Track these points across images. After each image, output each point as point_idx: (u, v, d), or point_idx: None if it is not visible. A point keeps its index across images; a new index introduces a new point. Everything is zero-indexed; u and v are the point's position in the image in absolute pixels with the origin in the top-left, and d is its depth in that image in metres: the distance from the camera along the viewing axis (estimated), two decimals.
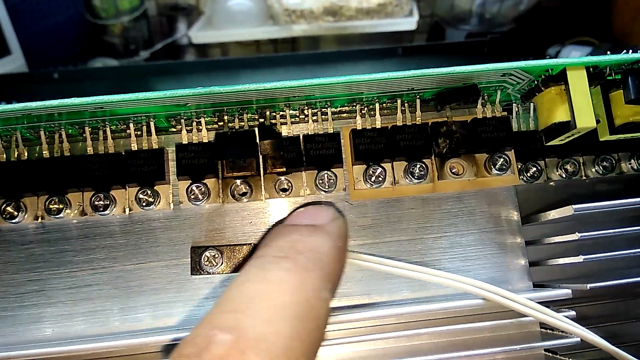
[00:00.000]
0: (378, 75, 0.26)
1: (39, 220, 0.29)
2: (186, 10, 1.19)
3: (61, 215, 0.29)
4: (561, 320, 0.25)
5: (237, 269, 0.29)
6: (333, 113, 0.30)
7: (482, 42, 0.90)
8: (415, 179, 0.30)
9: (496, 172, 0.30)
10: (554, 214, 0.30)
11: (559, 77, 0.28)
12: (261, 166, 0.30)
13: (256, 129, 0.29)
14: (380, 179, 0.30)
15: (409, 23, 1.08)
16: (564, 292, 0.27)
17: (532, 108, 0.32)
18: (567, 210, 0.28)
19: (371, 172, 0.30)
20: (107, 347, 0.27)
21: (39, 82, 0.80)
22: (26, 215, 0.29)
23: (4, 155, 0.29)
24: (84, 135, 0.29)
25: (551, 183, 0.33)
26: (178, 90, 0.26)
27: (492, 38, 0.91)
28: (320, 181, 0.30)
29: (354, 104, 0.30)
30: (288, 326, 0.19)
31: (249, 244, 0.30)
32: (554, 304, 0.29)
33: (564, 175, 0.33)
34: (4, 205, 0.28)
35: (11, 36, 1.03)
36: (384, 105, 0.31)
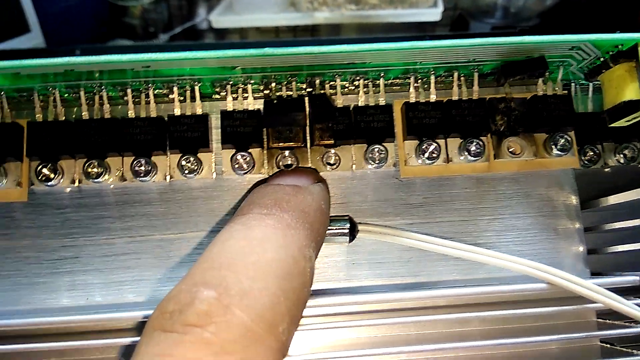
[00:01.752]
0: (442, 43, 0.25)
1: (76, 184, 0.28)
2: None
3: (99, 179, 0.27)
4: (632, 307, 0.24)
5: None
6: (385, 85, 0.29)
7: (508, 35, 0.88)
8: (472, 156, 0.28)
9: (557, 152, 0.29)
10: (615, 199, 0.28)
11: (630, 53, 0.26)
12: (308, 137, 0.28)
13: (306, 98, 0.28)
14: (435, 155, 0.28)
15: (433, 14, 1.06)
16: (631, 279, 0.25)
17: (590, 88, 0.31)
18: (633, 194, 0.27)
19: (424, 148, 0.28)
20: (144, 316, 0.26)
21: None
22: (63, 179, 0.28)
23: (41, 116, 0.27)
24: (125, 98, 0.28)
25: (607, 169, 0.31)
26: (231, 50, 0.24)
27: (521, 30, 0.89)
28: (370, 155, 0.28)
29: (408, 75, 0.29)
30: (273, 282, 0.18)
31: None
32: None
33: (621, 161, 0.31)
34: (40, 167, 0.27)
35: (31, 14, 1.02)
36: (439, 78, 0.29)
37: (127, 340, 0.26)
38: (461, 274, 0.28)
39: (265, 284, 0.18)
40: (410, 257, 0.28)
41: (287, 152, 0.28)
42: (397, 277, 0.28)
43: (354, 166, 0.29)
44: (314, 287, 0.23)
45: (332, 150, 0.29)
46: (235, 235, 0.20)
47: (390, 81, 0.29)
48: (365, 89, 0.29)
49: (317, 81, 0.28)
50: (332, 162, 0.29)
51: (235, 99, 0.29)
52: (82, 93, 0.27)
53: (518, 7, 1.14)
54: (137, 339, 0.25)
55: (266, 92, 0.29)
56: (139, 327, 0.27)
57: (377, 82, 0.29)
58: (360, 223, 0.28)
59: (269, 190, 0.23)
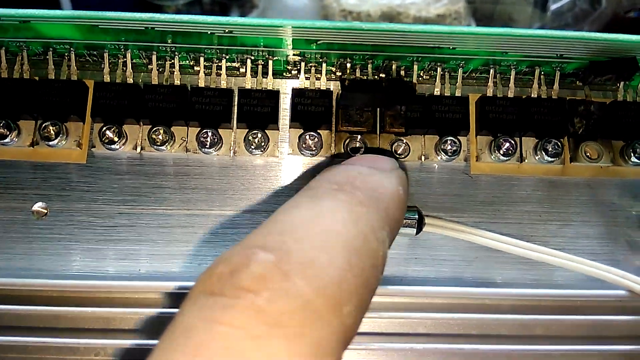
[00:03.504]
0: (536, 32, 0.24)
1: (138, 150, 0.27)
2: (239, 2, 1.18)
3: (163, 147, 0.26)
4: None
5: None
6: (463, 77, 0.28)
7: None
8: (548, 157, 0.27)
9: (634, 161, 0.27)
10: None
11: None
12: (378, 123, 0.27)
13: (383, 82, 0.27)
14: (510, 152, 0.27)
15: None
16: None
17: None
18: None
19: (500, 144, 0.27)
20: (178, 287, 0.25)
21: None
22: (126, 143, 0.26)
23: (108, 77, 0.27)
24: (196, 68, 0.27)
25: None
26: (317, 21, 0.24)
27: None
28: (442, 147, 0.27)
29: (488, 68, 0.28)
30: (341, 255, 0.16)
31: None
32: None
33: None
34: (105, 128, 0.26)
35: (67, 6, 1.02)
36: (518, 75, 0.28)
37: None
38: (529, 278, 0.27)
39: (332, 256, 0.15)
40: (476, 256, 0.27)
41: (357, 137, 0.27)
42: (460, 276, 0.27)
43: (423, 157, 0.28)
44: None
45: (402, 139, 0.28)
46: (302, 204, 0.18)
47: (467, 73, 0.28)
48: (441, 79, 0.28)
49: (394, 66, 0.27)
50: (400, 151, 0.28)
51: (307, 78, 0.28)
52: (154, 57, 0.27)
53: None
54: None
55: (339, 74, 0.28)
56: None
57: (455, 72, 0.28)
58: (427, 216, 0.26)
59: (342, 169, 0.21)
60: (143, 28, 0.24)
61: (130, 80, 0.27)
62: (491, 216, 0.28)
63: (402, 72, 0.28)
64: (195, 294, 0.15)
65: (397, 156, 0.28)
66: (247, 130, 0.27)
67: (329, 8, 1.15)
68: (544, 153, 0.27)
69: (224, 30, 0.24)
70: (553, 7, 1.10)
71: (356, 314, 0.16)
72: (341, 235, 0.16)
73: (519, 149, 0.28)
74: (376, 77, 0.28)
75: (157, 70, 0.27)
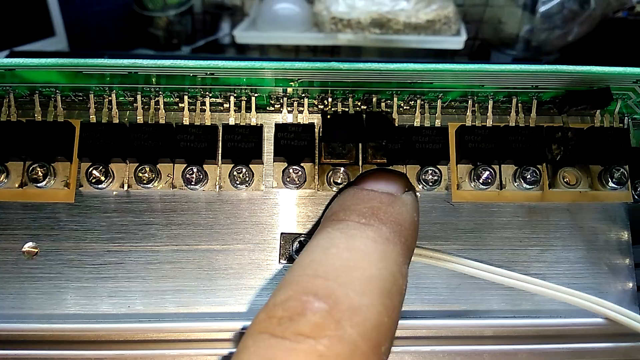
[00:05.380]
0: (511, 67, 0.24)
1: (125, 188, 0.27)
2: (231, 10, 1.19)
3: (149, 185, 0.27)
4: None
5: None
6: (442, 107, 0.28)
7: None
8: (526, 184, 0.28)
9: (612, 185, 0.28)
10: None
11: None
12: (360, 155, 0.28)
13: (364, 114, 0.27)
14: (489, 181, 0.28)
15: (456, 42, 1.06)
16: None
17: None
18: None
19: (479, 173, 0.28)
20: (187, 328, 0.25)
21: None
22: (112, 182, 0.27)
23: (94, 117, 0.27)
24: (181, 104, 0.28)
25: None
26: (297, 62, 0.24)
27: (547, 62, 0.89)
28: (423, 177, 0.28)
29: (466, 98, 0.28)
30: (378, 300, 0.18)
31: None
32: None
33: None
34: (92, 168, 0.27)
35: (57, 18, 1.02)
36: (496, 103, 0.29)
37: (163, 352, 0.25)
38: (511, 304, 0.28)
39: (372, 301, 0.18)
40: (459, 283, 0.28)
41: (340, 169, 0.28)
42: (444, 304, 0.27)
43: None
44: None
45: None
46: (337, 243, 0.20)
47: (447, 103, 0.29)
48: (421, 110, 0.28)
49: (374, 99, 0.28)
50: None
51: (290, 112, 0.28)
52: (138, 97, 0.27)
53: (540, 42, 1.13)
54: (178, 352, 0.24)
55: (321, 107, 0.29)
56: (187, 341, 0.26)
57: (434, 103, 0.28)
58: None
59: (364, 197, 0.23)
60: (127, 73, 0.25)
61: (116, 120, 0.27)
62: (473, 243, 0.28)
63: (383, 105, 0.28)
64: (255, 333, 0.17)
65: None
66: (232, 165, 0.27)
67: (320, 16, 1.15)
68: (522, 180, 0.28)
69: (205, 73, 0.25)
70: (542, 9, 1.10)
71: (389, 348, 0.18)
72: (376, 280, 0.19)
73: (498, 176, 0.28)
74: (357, 108, 0.29)
75: (142, 108, 0.27)
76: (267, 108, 0.29)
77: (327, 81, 0.26)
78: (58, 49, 1.03)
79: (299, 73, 0.25)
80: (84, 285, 0.26)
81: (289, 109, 0.28)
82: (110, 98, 0.27)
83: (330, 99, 0.28)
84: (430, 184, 0.28)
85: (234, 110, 0.28)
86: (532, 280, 0.26)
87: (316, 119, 0.28)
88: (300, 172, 0.28)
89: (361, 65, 0.24)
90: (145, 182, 0.27)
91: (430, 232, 0.28)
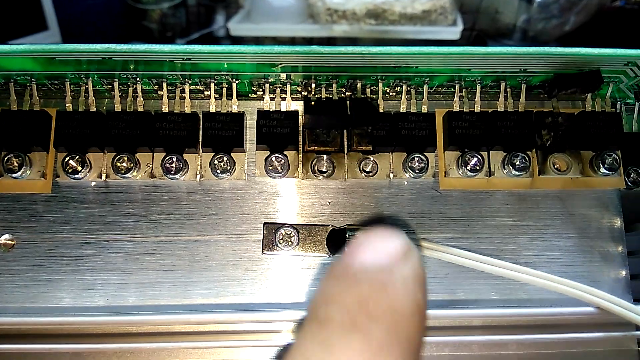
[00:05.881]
0: (497, 49, 0.24)
1: (103, 178, 0.26)
2: (225, 3, 1.18)
3: (128, 175, 0.26)
4: None
5: (311, 249, 0.26)
6: (429, 92, 0.28)
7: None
8: (515, 170, 0.27)
9: (604, 172, 0.27)
10: None
11: None
12: (345, 142, 0.27)
13: (348, 101, 0.27)
14: (477, 168, 0.27)
15: (452, 32, 1.05)
16: None
17: (637, 108, 0.30)
18: None
19: (466, 160, 0.27)
20: (167, 320, 0.25)
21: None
22: (90, 172, 0.26)
23: (71, 105, 0.26)
24: (160, 91, 0.27)
25: None
26: (276, 46, 0.23)
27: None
28: (410, 164, 0.27)
29: (453, 83, 0.28)
30: None
31: (325, 225, 0.27)
32: None
33: None
34: (68, 158, 0.26)
35: (50, 12, 1.01)
36: (484, 88, 0.28)
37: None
38: (500, 293, 0.27)
39: None
40: (446, 272, 0.27)
41: (323, 157, 0.27)
42: (432, 294, 0.27)
43: (391, 174, 0.27)
44: None
45: (370, 157, 0.27)
46: (313, 356, 0.16)
47: (433, 89, 0.28)
48: (407, 96, 0.28)
49: (359, 85, 0.27)
50: (368, 169, 0.27)
51: (272, 99, 0.27)
52: (116, 84, 0.26)
53: (536, 32, 1.13)
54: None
55: (305, 93, 0.28)
56: (163, 333, 0.25)
57: (420, 88, 0.28)
58: None
59: (350, 281, 0.17)
60: (101, 59, 0.24)
61: (93, 108, 0.26)
62: (461, 232, 0.28)
63: (368, 90, 0.28)
64: None
65: (366, 174, 0.27)
66: (213, 154, 0.27)
67: (314, 7, 1.14)
68: (511, 167, 0.27)
69: (182, 58, 0.24)
70: None
71: None
72: None
73: (486, 163, 0.28)
74: (342, 95, 0.28)
75: (120, 96, 0.27)
76: (249, 95, 0.28)
77: (309, 66, 0.26)
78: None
79: (279, 58, 0.24)
80: (62, 278, 0.26)
81: (271, 95, 0.28)
82: (87, 86, 0.26)
83: (313, 85, 0.27)
84: (417, 171, 0.27)
85: (215, 98, 0.27)
86: (522, 269, 0.26)
87: (299, 106, 0.28)
88: (283, 161, 0.27)
89: (342, 49, 0.24)
90: (123, 172, 0.26)
91: (417, 221, 0.27)
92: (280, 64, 0.25)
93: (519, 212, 0.28)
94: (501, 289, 0.27)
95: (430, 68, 0.26)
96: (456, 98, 0.28)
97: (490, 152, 0.28)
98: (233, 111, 0.27)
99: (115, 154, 0.26)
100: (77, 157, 0.26)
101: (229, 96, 0.27)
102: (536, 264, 0.27)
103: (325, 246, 0.27)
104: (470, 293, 0.27)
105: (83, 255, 0.26)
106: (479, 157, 0.27)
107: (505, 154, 0.28)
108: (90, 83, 0.26)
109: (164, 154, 0.26)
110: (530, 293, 0.27)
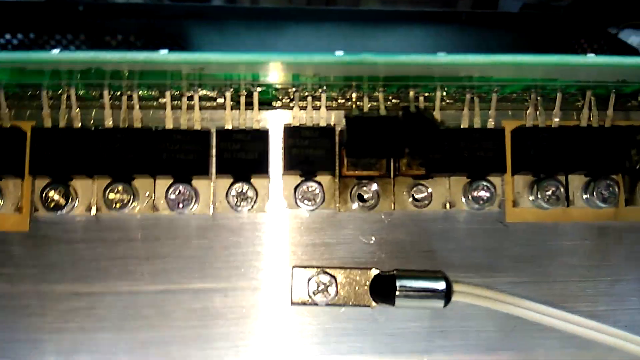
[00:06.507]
0: (603, 60, 0.18)
1: (93, 212, 0.21)
2: None
3: (124, 209, 0.21)
4: None
5: (351, 298, 0.22)
6: (499, 100, 0.22)
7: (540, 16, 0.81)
8: (600, 201, 0.22)
9: None
10: None
11: None
12: (392, 165, 0.22)
13: (400, 113, 0.21)
14: (553, 196, 0.22)
15: None
16: None
17: None
18: None
19: (543, 187, 0.22)
20: None
21: (61, 13, 0.70)
22: (76, 206, 0.21)
23: (50, 120, 0.21)
24: (161, 100, 0.21)
25: None
26: (316, 54, 0.18)
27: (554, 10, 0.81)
28: (474, 193, 0.22)
29: (529, 91, 0.22)
30: None
31: (367, 268, 0.22)
32: None
33: None
34: (48, 189, 0.20)
35: None
36: (566, 96, 0.23)
37: None
38: (573, 351, 0.22)
39: None
40: (514, 325, 0.22)
41: (366, 183, 0.22)
42: (495, 353, 0.22)
43: (448, 204, 0.22)
44: None
45: (423, 183, 0.22)
46: None
47: (504, 95, 0.23)
48: (470, 105, 0.22)
49: (411, 93, 0.22)
50: (420, 197, 0.22)
51: (303, 108, 0.22)
52: (105, 93, 0.21)
53: None
54: None
55: (342, 101, 0.22)
56: None
57: (486, 96, 0.22)
58: (456, 282, 0.21)
59: None
60: (85, 69, 0.18)
61: (77, 123, 0.21)
62: (530, 274, 0.23)
63: (421, 99, 0.22)
64: None
65: (417, 204, 0.22)
66: (229, 181, 0.21)
67: None
68: (595, 195, 0.22)
69: (192, 69, 0.18)
70: None
71: None
72: None
73: (564, 190, 0.23)
74: (389, 102, 0.22)
75: (111, 106, 0.21)
76: (273, 103, 0.23)
77: (352, 76, 0.20)
78: None
79: (317, 68, 0.19)
80: (45, 338, 0.21)
81: (301, 104, 0.22)
82: (68, 93, 0.21)
83: (354, 95, 0.22)
84: (482, 202, 0.22)
85: (231, 108, 0.22)
86: (600, 327, 0.21)
87: (334, 118, 0.22)
88: (316, 189, 0.22)
89: (403, 58, 0.18)
90: (117, 205, 0.21)
91: (477, 261, 0.23)
92: (317, 73, 0.19)
93: (600, 250, 0.23)
94: (576, 346, 0.22)
95: (506, 78, 0.20)
96: (530, 109, 0.22)
97: (569, 176, 0.23)
98: (255, 127, 0.21)
99: (109, 182, 0.21)
100: (60, 188, 0.21)
101: (249, 105, 0.22)
102: (617, 311, 0.23)
103: (369, 295, 0.22)
104: (539, 351, 0.22)
105: (71, 310, 0.21)
106: (556, 182, 0.22)
107: (587, 179, 0.23)
108: (72, 92, 0.21)
109: (170, 182, 0.21)
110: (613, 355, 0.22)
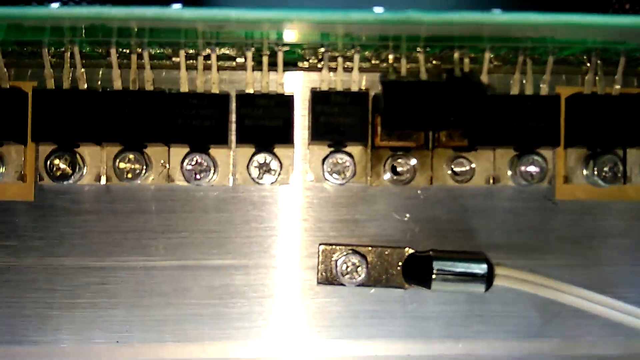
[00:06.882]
0: None
1: (103, 181, 0.19)
2: None
3: (137, 180, 0.19)
4: None
5: (382, 279, 0.20)
6: (554, 63, 0.20)
7: None
8: None
9: None
10: None
11: None
12: (431, 135, 0.20)
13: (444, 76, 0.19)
14: (610, 173, 0.20)
15: None
16: None
17: None
18: None
19: (599, 161, 0.20)
20: None
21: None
22: (84, 175, 0.19)
23: (52, 80, 0.19)
24: (175, 58, 0.19)
25: None
26: (352, 11, 0.15)
27: None
28: (522, 168, 0.20)
29: (589, 55, 0.19)
30: None
31: (401, 248, 0.20)
32: None
33: None
34: (53, 157, 0.19)
35: None
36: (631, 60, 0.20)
37: None
38: (622, 340, 0.21)
39: None
40: (558, 311, 0.21)
41: (401, 154, 0.20)
42: (537, 340, 0.21)
43: (492, 179, 0.20)
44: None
45: (465, 156, 0.20)
46: None
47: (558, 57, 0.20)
48: (522, 69, 0.20)
49: (456, 55, 0.19)
50: (460, 171, 0.20)
51: (333, 70, 0.20)
52: (113, 51, 0.18)
53: None
54: None
55: (377, 62, 0.20)
56: None
57: (542, 58, 0.20)
58: (498, 264, 0.20)
59: None
60: (89, 25, 0.16)
61: (83, 84, 0.19)
62: (581, 257, 0.21)
63: (466, 61, 0.19)
64: None
65: (458, 178, 0.20)
66: (251, 151, 0.20)
67: None
68: None
69: (210, 27, 0.16)
70: None
71: None
72: None
73: (622, 165, 0.20)
74: (429, 64, 0.20)
75: (120, 66, 0.19)
76: (299, 64, 0.20)
77: (388, 35, 0.18)
78: None
79: (350, 27, 0.16)
80: (54, 314, 0.20)
81: (331, 65, 0.20)
82: (72, 51, 0.19)
83: (391, 56, 0.19)
84: (531, 177, 0.20)
85: (252, 69, 0.19)
86: None
87: (366, 81, 0.20)
88: (346, 160, 0.20)
89: (454, 17, 0.15)
90: (129, 175, 0.19)
91: (522, 241, 0.21)
92: (349, 32, 0.17)
93: None
94: (625, 333, 0.21)
95: (568, 39, 0.18)
96: (589, 75, 0.20)
97: (627, 150, 0.20)
98: (278, 91, 0.19)
99: (118, 149, 0.19)
100: (65, 155, 0.19)
101: (272, 65, 0.19)
102: None
103: (401, 276, 0.20)
104: (585, 336, 0.21)
105: (81, 285, 0.20)
106: (614, 157, 0.20)
107: None
108: (76, 49, 0.18)
109: (186, 151, 0.19)
110: None
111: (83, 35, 0.17)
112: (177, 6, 0.15)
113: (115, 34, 0.17)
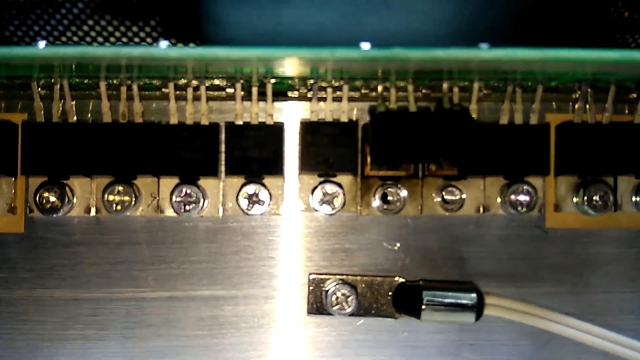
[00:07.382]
0: None
1: (92, 213, 0.19)
2: None
3: (126, 212, 0.19)
4: None
5: (372, 309, 0.20)
6: (543, 91, 0.20)
7: None
8: None
9: None
10: None
11: None
12: (420, 164, 0.20)
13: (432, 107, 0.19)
14: (601, 202, 0.20)
15: None
16: None
17: None
18: None
19: (589, 190, 0.20)
20: None
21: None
22: (73, 207, 0.19)
23: (42, 113, 0.19)
24: (164, 89, 0.19)
25: None
26: (339, 49, 0.15)
27: None
28: (512, 197, 0.20)
29: (580, 83, 0.19)
30: None
31: (391, 277, 0.20)
32: None
33: None
34: (43, 190, 0.19)
35: None
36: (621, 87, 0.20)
37: None
38: None
39: None
40: (549, 339, 0.21)
41: (391, 184, 0.20)
42: None
43: (482, 208, 0.20)
44: None
45: (454, 184, 0.20)
46: None
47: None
48: (512, 96, 0.20)
49: (445, 86, 0.19)
50: (450, 200, 0.20)
51: (323, 99, 0.20)
52: (102, 83, 0.19)
53: None
54: None
55: (366, 91, 0.20)
56: None
57: (531, 86, 0.20)
58: (488, 294, 0.20)
59: None
60: (77, 63, 0.16)
61: (72, 117, 0.19)
62: (571, 285, 0.21)
63: (455, 90, 0.19)
64: None
65: (447, 207, 0.20)
66: (240, 181, 0.20)
67: None
68: None
69: (198, 64, 0.16)
70: None
71: None
72: None
73: (613, 194, 0.20)
74: (419, 92, 0.20)
75: (109, 98, 0.19)
76: (289, 93, 0.20)
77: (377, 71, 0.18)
78: None
79: (339, 64, 0.16)
80: (45, 346, 0.20)
81: (321, 95, 0.20)
82: (61, 83, 0.19)
83: (380, 87, 0.19)
84: (521, 206, 0.20)
85: (242, 99, 0.19)
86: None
87: (357, 111, 0.20)
88: (336, 191, 0.20)
89: (440, 53, 0.15)
90: (118, 207, 0.19)
91: (513, 270, 0.21)
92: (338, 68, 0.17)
93: None
94: None
95: (558, 71, 0.18)
96: (579, 104, 0.20)
97: (618, 178, 0.20)
98: (268, 122, 0.19)
99: (109, 182, 0.19)
100: (55, 188, 0.19)
101: (262, 95, 0.19)
102: None
103: (392, 306, 0.20)
104: None
105: (71, 317, 0.20)
106: (604, 186, 0.20)
107: (637, 181, 0.20)
108: (65, 82, 0.18)
109: (176, 183, 0.19)
110: None
111: (72, 70, 0.17)
112: (164, 44, 0.15)
113: (104, 70, 0.17)
